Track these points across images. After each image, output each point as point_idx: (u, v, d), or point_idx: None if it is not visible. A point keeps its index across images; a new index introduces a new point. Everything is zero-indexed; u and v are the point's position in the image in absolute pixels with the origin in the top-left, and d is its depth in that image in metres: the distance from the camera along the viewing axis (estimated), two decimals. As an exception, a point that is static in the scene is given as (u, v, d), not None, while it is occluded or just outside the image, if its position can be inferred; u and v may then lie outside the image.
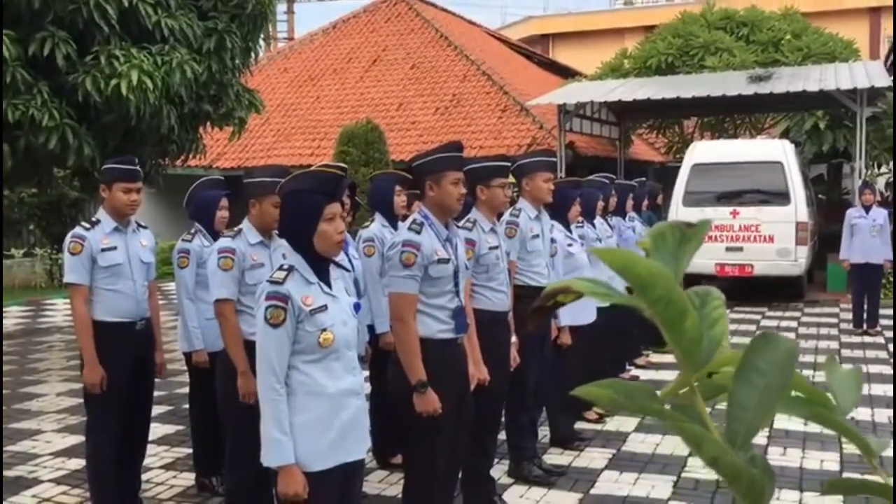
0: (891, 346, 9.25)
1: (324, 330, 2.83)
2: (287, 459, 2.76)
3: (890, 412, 6.45)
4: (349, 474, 2.97)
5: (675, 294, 0.57)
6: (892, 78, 13.56)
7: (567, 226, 5.84)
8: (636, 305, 0.60)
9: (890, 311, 10.93)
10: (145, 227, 4.77)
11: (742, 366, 0.62)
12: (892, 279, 12.39)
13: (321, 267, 2.93)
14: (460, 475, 4.31)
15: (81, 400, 5.60)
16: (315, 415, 2.83)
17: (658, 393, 0.72)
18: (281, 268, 2.91)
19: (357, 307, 3.05)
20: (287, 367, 2.82)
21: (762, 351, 0.61)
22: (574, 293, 0.62)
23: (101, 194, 4.52)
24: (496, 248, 4.46)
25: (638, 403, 0.61)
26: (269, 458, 2.79)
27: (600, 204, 6.71)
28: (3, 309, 10.56)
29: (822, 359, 8.25)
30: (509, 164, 4.69)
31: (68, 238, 4.45)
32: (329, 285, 2.93)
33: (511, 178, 4.67)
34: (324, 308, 2.86)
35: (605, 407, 0.61)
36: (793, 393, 0.76)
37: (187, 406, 5.44)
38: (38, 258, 16.42)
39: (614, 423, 6.31)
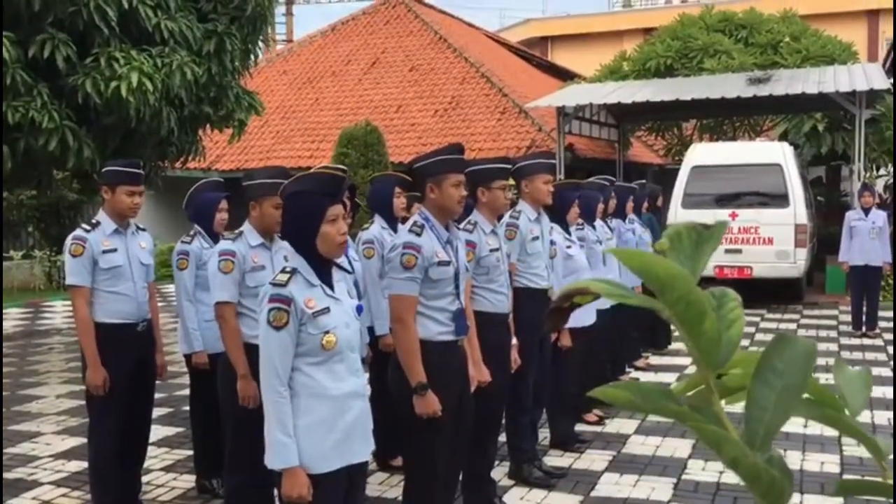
0: (890, 349, 9.26)
1: (326, 332, 2.84)
2: (291, 462, 2.76)
3: (889, 414, 6.45)
4: (353, 476, 2.97)
5: (694, 295, 0.57)
6: (891, 80, 13.58)
7: (566, 228, 5.84)
8: (654, 306, 0.60)
9: (889, 314, 10.94)
10: (144, 230, 4.78)
11: (760, 366, 0.62)
12: (891, 281, 12.40)
13: (324, 269, 2.93)
14: (461, 477, 4.31)
15: (81, 402, 5.60)
16: (319, 417, 2.83)
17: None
18: (284, 270, 2.91)
19: (359, 309, 3.06)
20: (290, 370, 2.83)
21: (780, 351, 0.61)
22: (591, 294, 0.62)
23: (104, 195, 4.51)
24: (497, 250, 4.47)
25: (655, 404, 0.61)
26: (273, 461, 2.79)
27: (600, 206, 6.71)
28: (3, 311, 10.55)
29: (820, 361, 8.26)
30: (510, 166, 4.70)
31: (69, 240, 4.45)
32: (331, 287, 2.94)
33: (511, 181, 4.68)
34: (326, 310, 2.86)
35: (623, 407, 0.61)
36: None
37: (187, 408, 5.44)
38: (37, 260, 16.41)
39: (614, 425, 6.31)
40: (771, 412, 0.60)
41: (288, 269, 2.89)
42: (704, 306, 0.57)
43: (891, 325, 10.48)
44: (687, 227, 0.63)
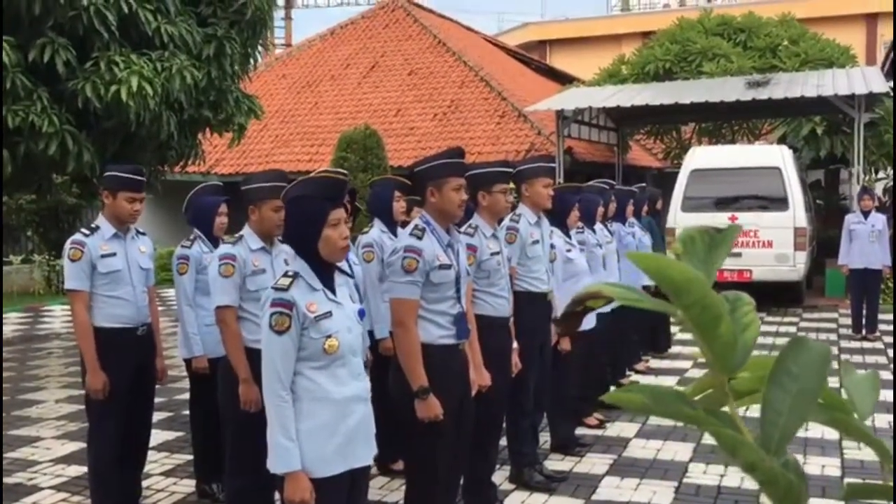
0: (890, 352, 9.25)
1: (329, 336, 2.83)
2: (293, 466, 2.76)
3: (890, 417, 6.44)
4: (355, 480, 2.97)
5: (709, 298, 0.57)
6: (891, 83, 13.59)
7: (567, 232, 5.84)
8: (668, 310, 0.60)
9: (888, 317, 10.93)
10: (143, 234, 4.77)
11: (775, 370, 0.61)
12: (890, 284, 12.40)
13: (325, 273, 2.93)
14: (462, 481, 4.30)
15: (81, 406, 5.58)
16: (321, 421, 2.83)
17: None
18: (286, 274, 2.91)
19: (361, 313, 3.05)
20: (293, 374, 2.82)
21: (795, 355, 0.61)
22: (605, 298, 0.62)
23: (104, 200, 4.51)
24: (497, 253, 4.47)
25: (671, 408, 0.61)
26: (275, 465, 2.79)
27: (600, 210, 6.71)
28: (2, 315, 10.53)
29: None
30: (511, 169, 4.70)
31: (68, 244, 4.44)
32: (333, 291, 2.93)
33: (511, 184, 4.68)
34: (328, 314, 2.86)
35: (637, 412, 0.61)
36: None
37: (187, 412, 5.43)
38: (36, 264, 16.40)
39: (615, 429, 6.30)
40: (786, 416, 0.60)
41: (290, 274, 2.89)
42: (720, 310, 0.57)
43: (890, 328, 10.48)
44: (700, 230, 0.63)
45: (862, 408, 0.80)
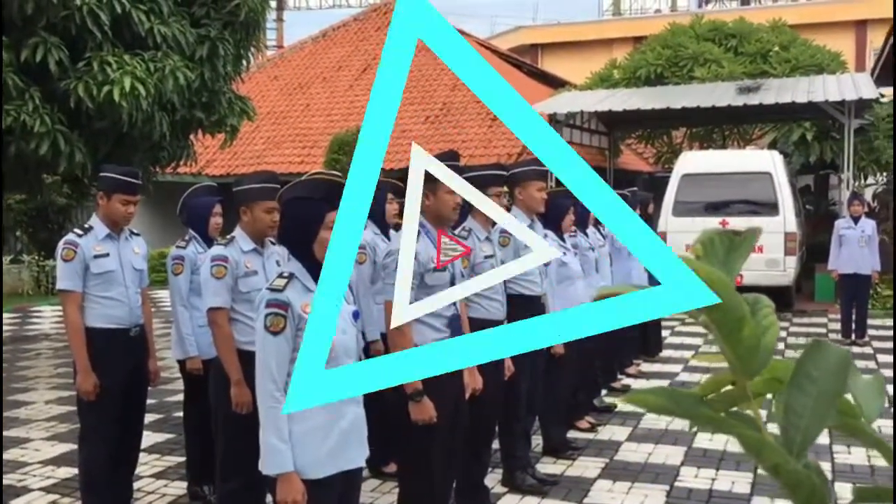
0: (879, 357, 9.30)
1: (324, 338, 2.82)
2: (286, 467, 2.75)
3: (883, 422, 6.47)
4: (348, 482, 2.96)
5: (733, 301, 0.57)
6: (882, 90, 13.66)
7: (560, 235, 5.85)
8: (688, 312, 0.60)
9: (877, 322, 11.00)
10: (137, 235, 4.75)
11: (795, 373, 0.62)
12: (878, 290, 12.46)
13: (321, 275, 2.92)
14: (455, 484, 4.30)
15: (70, 408, 5.56)
16: (314, 423, 2.82)
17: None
18: (281, 275, 2.90)
19: (356, 315, 3.05)
20: (287, 375, 2.81)
21: (814, 358, 0.62)
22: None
23: (98, 201, 4.49)
24: (491, 256, 4.48)
25: (689, 410, 0.61)
26: (268, 466, 2.78)
27: (592, 213, 6.72)
28: (2, 316, 10.47)
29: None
30: (505, 172, 4.71)
31: (61, 245, 4.42)
32: (329, 293, 2.93)
33: (505, 188, 4.69)
34: (324, 316, 2.85)
35: (655, 413, 0.61)
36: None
37: (179, 414, 5.41)
38: (26, 265, 16.32)
39: (606, 432, 6.31)
40: (808, 419, 0.60)
41: (285, 275, 2.88)
42: (744, 312, 0.57)
43: (878, 333, 10.54)
44: (719, 233, 0.63)
45: (868, 411, 0.81)
